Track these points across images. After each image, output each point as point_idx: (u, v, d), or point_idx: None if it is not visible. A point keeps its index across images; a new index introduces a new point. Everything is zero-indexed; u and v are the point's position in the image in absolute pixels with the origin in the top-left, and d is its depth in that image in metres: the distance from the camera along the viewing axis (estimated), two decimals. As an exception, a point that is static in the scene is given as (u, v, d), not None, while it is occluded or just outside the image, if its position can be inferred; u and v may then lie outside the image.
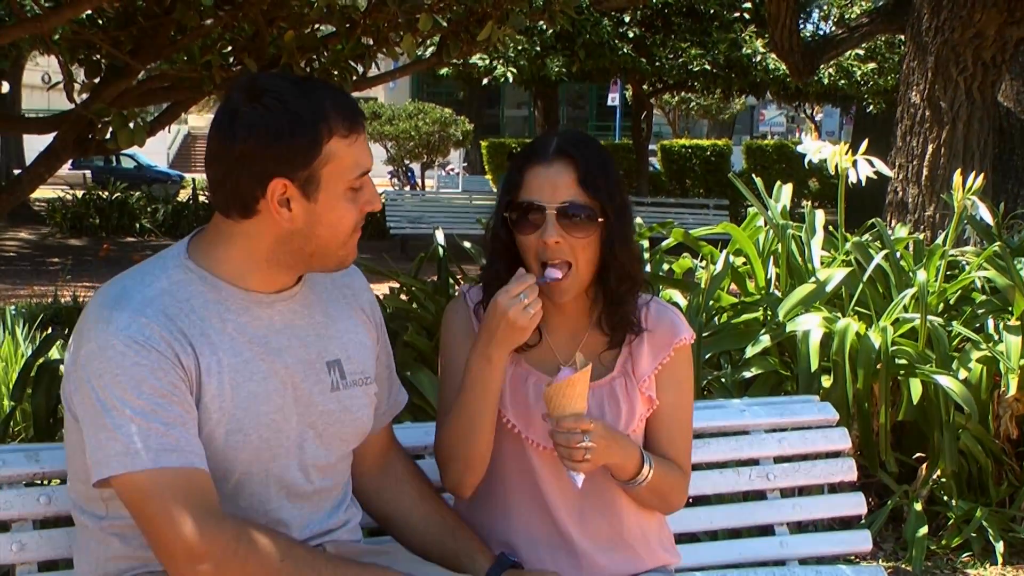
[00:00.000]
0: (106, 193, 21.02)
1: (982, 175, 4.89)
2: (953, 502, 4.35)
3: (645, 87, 22.17)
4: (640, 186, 22.73)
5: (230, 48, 3.87)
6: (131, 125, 3.34)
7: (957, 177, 4.79)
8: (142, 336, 1.86)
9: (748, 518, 2.94)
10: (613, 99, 30.74)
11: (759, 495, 2.91)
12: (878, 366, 4.20)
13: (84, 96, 3.63)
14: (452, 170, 33.49)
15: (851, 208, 5.00)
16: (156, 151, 39.14)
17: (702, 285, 4.55)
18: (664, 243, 5.04)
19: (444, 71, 20.25)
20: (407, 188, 27.12)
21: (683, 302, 4.55)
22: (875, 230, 5.01)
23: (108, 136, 3.53)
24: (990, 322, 4.51)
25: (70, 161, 5.01)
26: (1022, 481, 4.48)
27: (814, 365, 4.18)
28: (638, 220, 2.79)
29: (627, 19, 19.15)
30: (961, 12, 6.74)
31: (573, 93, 44.20)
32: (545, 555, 2.28)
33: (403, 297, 4.56)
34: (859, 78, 20.38)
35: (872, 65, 20.26)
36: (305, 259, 2.00)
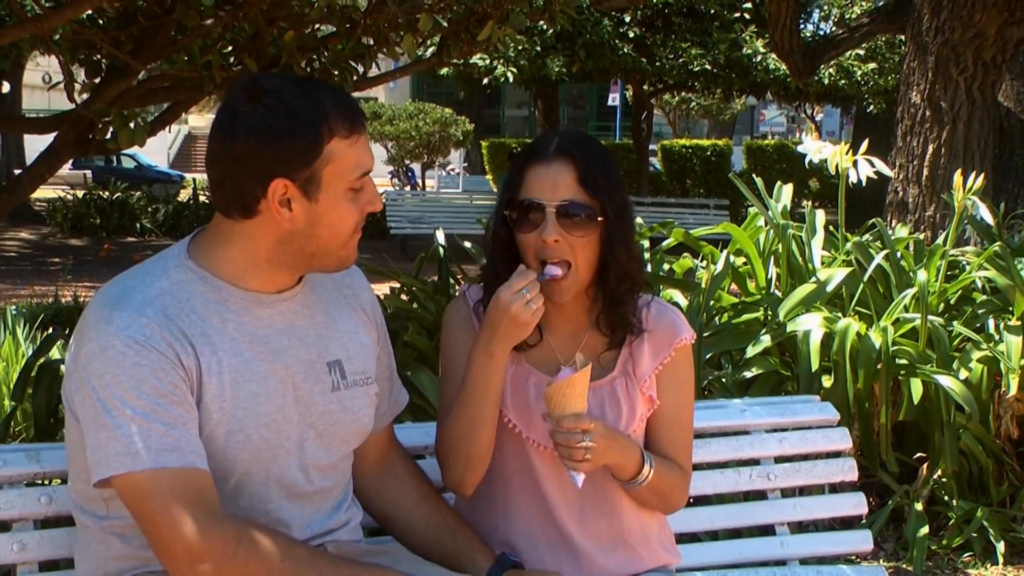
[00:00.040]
0: (107, 193, 21.01)
1: (982, 175, 4.90)
2: (954, 502, 4.35)
3: (645, 87, 22.17)
4: (640, 186, 22.73)
5: (230, 48, 3.87)
6: (131, 125, 3.34)
7: (957, 177, 4.79)
8: (143, 336, 1.86)
9: (749, 518, 2.94)
10: (613, 99, 30.74)
11: (760, 495, 2.91)
12: (879, 366, 4.20)
13: (84, 96, 3.63)
14: (452, 170, 33.50)
15: (851, 208, 5.00)
16: (156, 151, 39.15)
17: (703, 285, 4.55)
18: (664, 243, 5.05)
19: (444, 71, 20.24)
20: (407, 188, 27.12)
21: (684, 302, 4.55)
22: (875, 230, 5.01)
23: (108, 136, 3.53)
24: (991, 322, 4.51)
25: (70, 161, 5.02)
26: (1023, 481, 4.48)
27: (815, 365, 4.18)
28: (638, 220, 2.77)
29: (627, 19, 19.15)
30: (961, 12, 6.74)
31: (573, 93, 44.24)
32: (546, 555, 2.28)
33: (403, 297, 4.56)
34: (859, 78, 20.37)
35: (872, 65, 20.26)
36: (306, 259, 2.00)
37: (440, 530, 2.24)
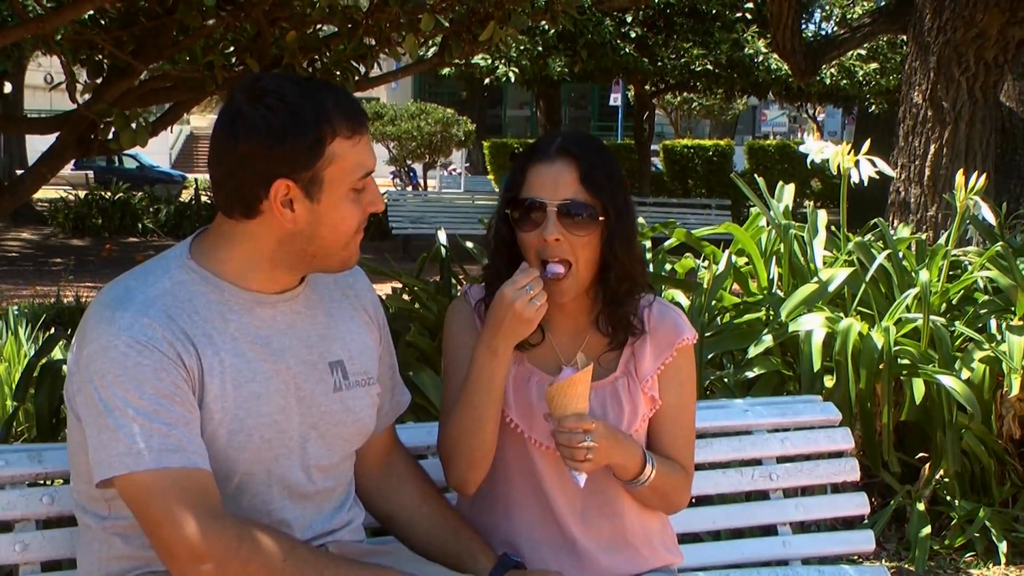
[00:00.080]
0: (108, 193, 21.03)
1: (984, 175, 4.89)
2: (956, 502, 4.35)
3: (647, 87, 22.14)
4: (642, 186, 22.73)
5: (232, 48, 3.87)
6: (133, 125, 3.34)
7: (959, 177, 4.79)
8: (144, 336, 1.86)
9: (751, 518, 2.94)
10: (615, 99, 30.79)
11: (762, 495, 2.91)
12: (881, 366, 4.20)
13: (86, 96, 3.64)
14: (454, 170, 33.50)
15: (853, 208, 5.00)
16: (158, 151, 39.16)
17: (704, 285, 4.55)
18: (666, 243, 5.05)
19: (446, 71, 20.22)
20: (409, 188, 27.13)
21: (685, 302, 4.55)
22: (877, 230, 5.01)
23: (110, 136, 3.53)
24: (993, 322, 4.51)
25: (72, 161, 5.02)
26: (1025, 481, 4.48)
27: (817, 365, 4.18)
28: (640, 220, 2.78)
29: (629, 19, 19.14)
30: (963, 12, 6.74)
31: (575, 93, 44.27)
32: (547, 555, 2.28)
33: (405, 297, 4.56)
34: (861, 78, 20.36)
35: (874, 65, 20.24)
36: (308, 260, 2.00)
37: (442, 530, 2.24)
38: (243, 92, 1.92)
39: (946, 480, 4.35)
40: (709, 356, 4.40)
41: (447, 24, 3.78)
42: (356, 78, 3.85)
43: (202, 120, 47.26)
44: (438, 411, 2.64)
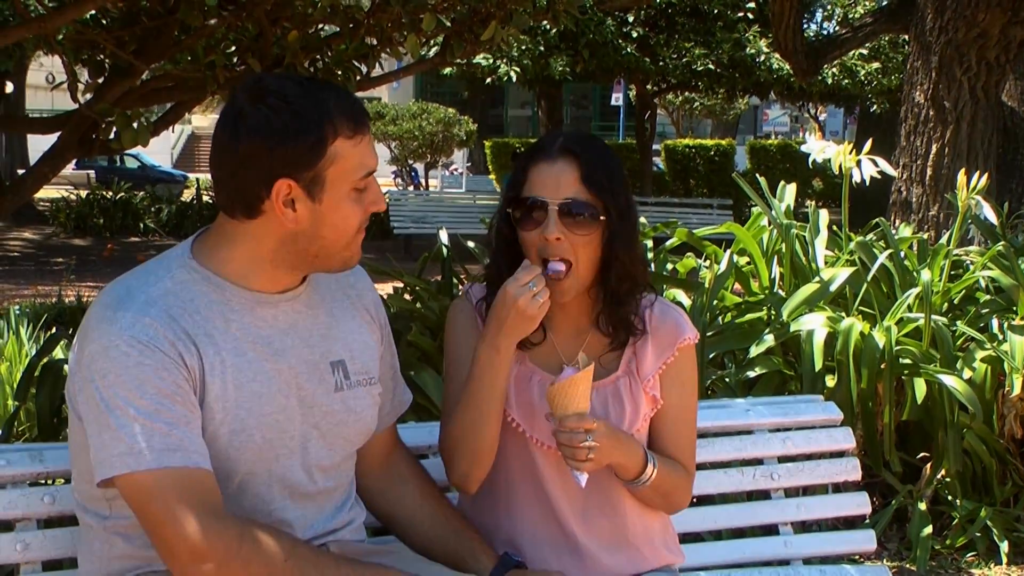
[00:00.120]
0: (110, 193, 21.05)
1: (986, 175, 4.89)
2: (957, 502, 4.35)
3: (649, 87, 22.15)
4: (644, 186, 22.73)
5: (234, 48, 3.87)
6: (135, 125, 3.35)
7: (961, 177, 4.79)
8: (146, 336, 1.86)
9: (752, 518, 2.94)
10: (617, 99, 30.78)
11: (763, 495, 2.90)
12: (882, 366, 4.20)
13: (88, 96, 3.64)
14: (456, 170, 33.50)
15: (855, 208, 5.00)
16: (160, 151, 39.19)
17: (706, 285, 4.55)
18: (668, 243, 5.05)
19: (448, 71, 20.24)
20: (411, 188, 27.13)
21: (687, 302, 4.54)
22: (879, 230, 5.01)
23: (112, 136, 3.54)
24: (994, 322, 4.51)
25: (74, 161, 5.03)
26: (1026, 481, 4.48)
27: (818, 365, 4.18)
28: (642, 220, 2.78)
29: (631, 19, 19.15)
30: (965, 12, 6.74)
31: (577, 93, 44.24)
32: (549, 555, 2.28)
33: (407, 297, 4.56)
34: (863, 78, 20.36)
35: (876, 65, 20.25)
36: (309, 260, 2.00)
37: (443, 530, 2.24)
38: (245, 92, 1.92)
39: (947, 480, 4.35)
40: (711, 356, 4.40)
41: (449, 24, 3.78)
42: (358, 78, 3.85)
43: (204, 120, 47.30)
44: (439, 411, 2.64)
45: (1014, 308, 4.49)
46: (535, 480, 2.29)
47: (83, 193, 21.47)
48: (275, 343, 2.00)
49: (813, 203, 25.55)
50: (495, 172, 30.58)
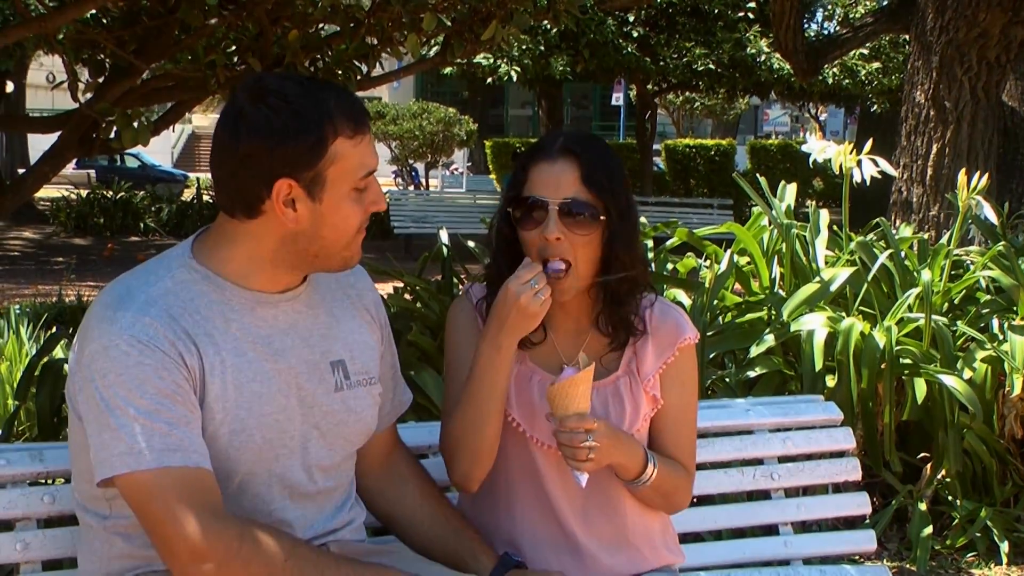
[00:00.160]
0: (110, 192, 21.06)
1: (986, 175, 4.89)
2: (957, 502, 4.35)
3: (649, 87, 22.16)
4: (644, 186, 22.74)
5: (234, 48, 3.87)
6: (135, 124, 3.35)
7: (961, 177, 4.79)
8: (146, 336, 1.86)
9: (752, 518, 2.94)
10: (617, 99, 30.75)
11: (763, 495, 2.90)
12: (882, 366, 4.20)
13: (88, 95, 3.64)
14: (456, 170, 33.50)
15: (855, 208, 5.00)
16: (160, 151, 39.19)
17: (706, 285, 4.55)
18: (668, 243, 5.04)
19: (448, 71, 20.26)
20: (411, 188, 27.13)
21: (687, 302, 4.54)
22: (879, 230, 5.01)
23: (112, 135, 3.54)
24: (995, 322, 4.51)
25: (74, 161, 5.03)
26: (1027, 481, 4.48)
27: (818, 365, 4.18)
28: (642, 219, 2.78)
29: (631, 19, 19.16)
30: (966, 12, 6.73)
31: (577, 93, 44.22)
32: (549, 555, 2.28)
33: (407, 297, 4.56)
34: (863, 78, 20.37)
35: (876, 65, 20.25)
36: (309, 259, 2.00)
37: (443, 530, 2.24)
38: (245, 92, 1.92)
39: (948, 480, 4.35)
40: (711, 356, 4.40)
41: (449, 23, 3.78)
42: (358, 77, 3.85)
43: (204, 119, 47.28)
44: (439, 411, 2.64)
45: (1014, 308, 4.49)
46: (535, 480, 2.28)
47: (83, 192, 21.49)
48: (275, 343, 2.00)
49: (813, 203, 25.55)
50: (495, 172, 30.58)
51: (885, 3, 11.24)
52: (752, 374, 4.34)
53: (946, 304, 4.68)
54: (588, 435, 2.10)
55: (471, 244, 4.66)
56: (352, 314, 2.16)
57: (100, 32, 3.62)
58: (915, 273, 4.63)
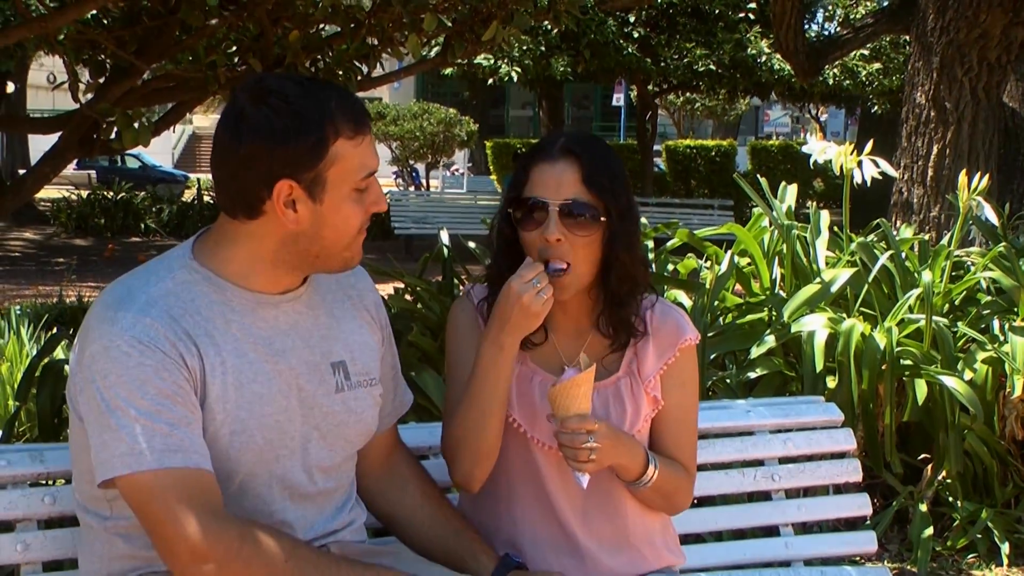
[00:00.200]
0: (111, 193, 21.05)
1: (987, 176, 4.88)
2: (958, 503, 4.35)
3: (650, 87, 22.15)
4: (645, 187, 22.73)
5: (235, 48, 3.88)
6: (136, 125, 3.35)
7: (962, 178, 4.78)
8: (147, 337, 1.86)
9: (753, 519, 2.94)
10: (618, 99, 30.75)
11: (764, 496, 2.90)
12: (883, 367, 4.20)
13: (89, 96, 3.64)
14: (457, 170, 33.50)
15: (856, 209, 5.00)
16: (161, 151, 39.19)
17: (707, 286, 4.55)
18: (669, 244, 5.04)
19: (449, 71, 20.24)
20: (412, 188, 27.13)
21: (688, 303, 4.54)
22: (880, 231, 5.01)
23: (113, 136, 3.54)
24: (995, 323, 4.51)
25: (75, 161, 5.03)
26: (1027, 482, 4.48)
27: (819, 366, 4.18)
28: (643, 220, 2.78)
29: (632, 19, 19.15)
30: (966, 12, 6.73)
31: (578, 93, 44.21)
32: (549, 556, 2.28)
33: (408, 297, 4.56)
34: (864, 78, 20.36)
35: (877, 65, 20.24)
36: (310, 260, 2.00)
37: (444, 530, 2.24)
38: (246, 92, 1.92)
39: (948, 481, 4.35)
40: (711, 357, 4.40)
41: (450, 24, 3.78)
42: (359, 78, 3.85)
43: (205, 120, 47.29)
44: (440, 411, 2.64)
45: (1015, 309, 4.49)
46: (536, 481, 2.28)
47: (84, 193, 21.47)
48: (276, 344, 2.00)
49: (814, 204, 25.53)
50: (496, 172, 30.57)
51: (886, 4, 11.25)
52: (753, 375, 4.34)
53: (947, 305, 4.68)
54: (589, 436, 2.10)
55: (472, 245, 4.66)
56: (353, 315, 2.16)
57: (101, 32, 3.62)
58: (916, 274, 4.63)
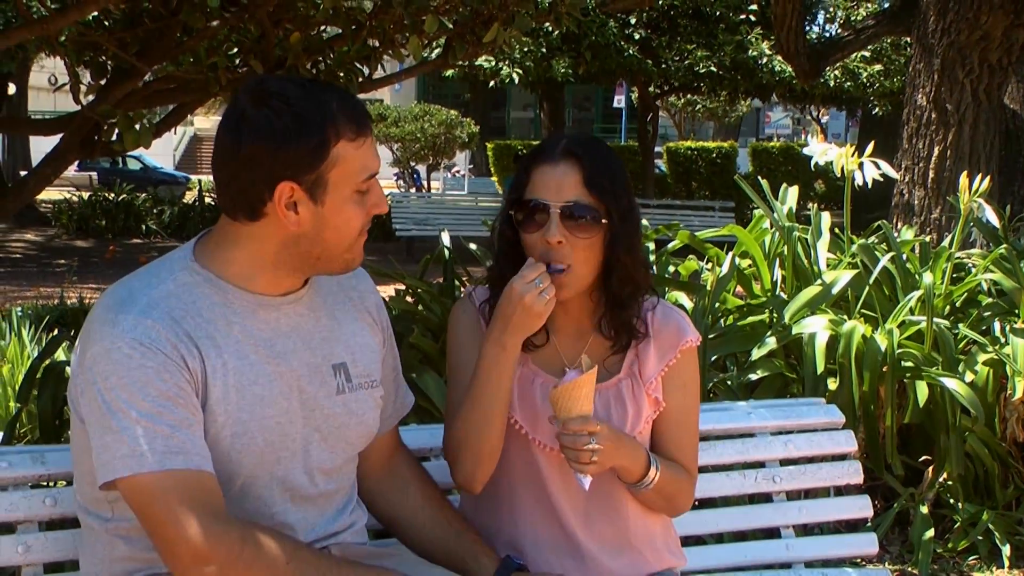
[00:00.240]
0: (112, 195, 21.06)
1: (988, 177, 4.89)
2: (959, 505, 4.35)
3: (651, 89, 22.15)
4: (646, 188, 22.73)
5: (236, 50, 3.88)
6: (137, 127, 3.35)
7: (963, 179, 4.78)
8: (148, 338, 1.86)
9: (754, 521, 2.94)
10: (619, 101, 30.74)
11: (765, 498, 2.90)
12: (884, 369, 4.20)
13: (90, 98, 3.64)
14: (458, 172, 33.48)
15: (857, 210, 5.00)
16: (162, 153, 39.15)
17: (708, 287, 4.55)
18: (670, 245, 5.04)
19: (450, 73, 20.26)
20: (413, 190, 27.12)
21: (689, 304, 4.54)
22: (881, 232, 5.01)
23: (114, 137, 3.54)
24: (996, 325, 4.51)
25: (76, 163, 5.03)
26: (1029, 484, 4.48)
27: (820, 367, 4.18)
28: (644, 222, 2.78)
29: (633, 21, 19.16)
30: (967, 14, 6.74)
31: (579, 95, 44.21)
32: (551, 557, 2.28)
33: (409, 299, 4.56)
34: (865, 80, 20.37)
35: (878, 67, 20.25)
36: (311, 262, 2.00)
37: (445, 532, 2.24)
38: (247, 94, 1.92)
39: (949, 483, 4.35)
40: (712, 358, 4.40)
41: (451, 26, 3.78)
42: (360, 80, 3.85)
43: (206, 122, 47.26)
44: (441, 413, 2.64)
45: (1016, 311, 4.49)
46: (537, 483, 2.28)
47: (85, 195, 21.48)
48: (277, 346, 2.00)
49: (815, 205, 25.42)
50: (497, 174, 30.56)
51: (886, 5, 11.25)
52: (754, 377, 4.34)
53: (948, 307, 4.68)
54: (591, 438, 2.10)
55: (473, 246, 4.66)
56: (354, 317, 2.16)
57: (102, 34, 3.63)
58: (917, 276, 4.63)
